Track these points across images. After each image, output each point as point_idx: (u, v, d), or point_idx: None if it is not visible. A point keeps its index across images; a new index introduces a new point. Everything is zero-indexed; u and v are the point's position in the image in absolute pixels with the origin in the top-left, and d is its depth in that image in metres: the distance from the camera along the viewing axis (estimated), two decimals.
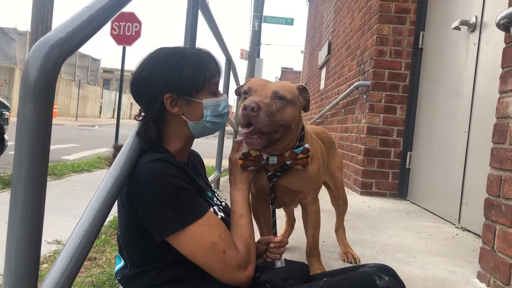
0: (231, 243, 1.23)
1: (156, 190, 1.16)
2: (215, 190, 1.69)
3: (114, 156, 1.32)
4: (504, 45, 1.96)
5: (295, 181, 1.61)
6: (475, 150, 2.98)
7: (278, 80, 35.80)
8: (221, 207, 1.46)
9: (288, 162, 1.54)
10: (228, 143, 5.88)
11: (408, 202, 4.10)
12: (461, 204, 3.08)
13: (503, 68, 1.93)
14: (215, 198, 1.48)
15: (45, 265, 2.95)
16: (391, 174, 4.28)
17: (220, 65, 1.39)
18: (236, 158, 1.54)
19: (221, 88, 1.42)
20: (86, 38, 0.88)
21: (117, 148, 1.34)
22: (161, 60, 1.29)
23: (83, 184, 5.76)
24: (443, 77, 3.62)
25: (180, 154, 1.37)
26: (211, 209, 1.34)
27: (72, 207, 4.45)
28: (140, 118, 1.37)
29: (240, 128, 1.49)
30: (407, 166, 4.21)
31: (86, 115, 31.53)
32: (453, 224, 3.15)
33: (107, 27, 10.05)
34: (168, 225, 1.17)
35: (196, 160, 1.55)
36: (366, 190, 4.27)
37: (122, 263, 1.32)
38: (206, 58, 1.33)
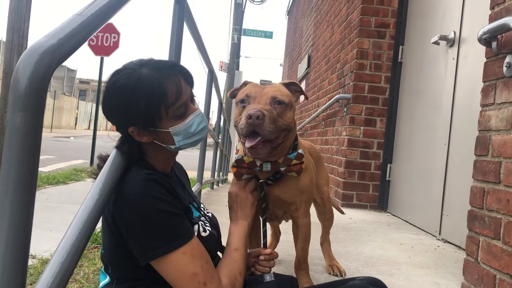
0: (214, 276, 1.19)
1: (140, 214, 1.12)
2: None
3: (99, 166, 1.29)
4: (484, 60, 2.00)
5: (287, 191, 1.60)
6: (455, 162, 3.03)
7: None
8: (207, 218, 1.43)
9: (282, 169, 1.53)
10: (209, 155, 5.84)
11: (388, 214, 4.13)
12: (442, 216, 3.12)
13: (484, 82, 1.97)
14: (201, 209, 1.45)
15: None
16: (372, 186, 4.31)
17: (188, 75, 1.28)
18: (237, 192, 1.50)
19: (200, 98, 1.37)
20: (77, 46, 0.85)
21: (101, 158, 1.31)
22: (115, 94, 1.20)
23: (59, 197, 5.62)
24: (422, 90, 3.69)
25: (165, 167, 1.33)
26: (199, 225, 1.30)
27: (47, 220, 4.33)
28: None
29: (242, 138, 1.45)
30: (387, 179, 4.25)
31: (61, 126, 30.98)
32: (434, 236, 3.18)
33: None
34: (149, 250, 1.12)
35: (179, 171, 1.52)
36: (347, 202, 4.29)
37: (107, 279, 1.28)
38: (165, 80, 1.20)
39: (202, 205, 1.53)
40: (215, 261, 1.34)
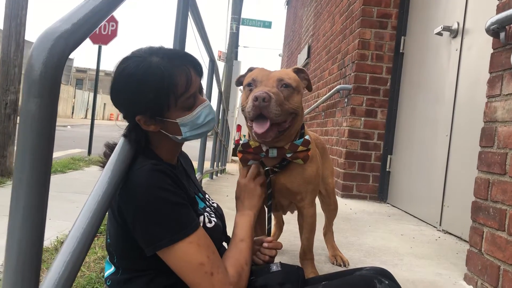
0: (220, 266, 1.18)
1: (146, 204, 1.11)
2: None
3: (106, 155, 1.28)
4: (488, 51, 1.99)
5: (294, 180, 1.59)
6: (457, 154, 3.03)
7: None
8: (212, 208, 1.42)
9: (289, 155, 1.52)
10: (208, 145, 5.83)
11: (388, 205, 4.14)
12: (443, 207, 3.12)
13: (491, 73, 1.96)
14: (206, 200, 1.45)
15: None
16: (372, 177, 4.31)
17: (199, 66, 1.27)
18: (245, 183, 1.49)
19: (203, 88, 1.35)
20: (90, 30, 0.84)
21: (109, 147, 1.29)
22: (124, 81, 1.18)
23: (57, 186, 5.60)
24: (424, 81, 3.68)
25: (171, 158, 1.32)
26: (205, 216, 1.29)
27: (48, 210, 4.31)
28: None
29: (249, 121, 1.44)
30: (387, 169, 4.26)
31: (58, 115, 30.56)
32: (435, 227, 3.19)
33: None
34: (155, 240, 1.12)
35: (185, 161, 1.51)
36: (347, 192, 4.29)
37: (112, 268, 1.27)
38: (176, 71, 1.18)
39: (207, 195, 1.52)
40: (220, 252, 1.33)
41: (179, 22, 1.97)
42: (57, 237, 3.89)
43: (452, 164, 3.08)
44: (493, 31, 1.84)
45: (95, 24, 0.85)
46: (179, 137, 1.26)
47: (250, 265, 1.31)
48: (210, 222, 1.30)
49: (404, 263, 2.21)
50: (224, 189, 4.56)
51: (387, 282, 1.21)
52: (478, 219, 1.94)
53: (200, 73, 1.28)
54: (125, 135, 1.27)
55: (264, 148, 1.51)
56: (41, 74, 0.70)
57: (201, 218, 1.27)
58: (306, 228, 1.75)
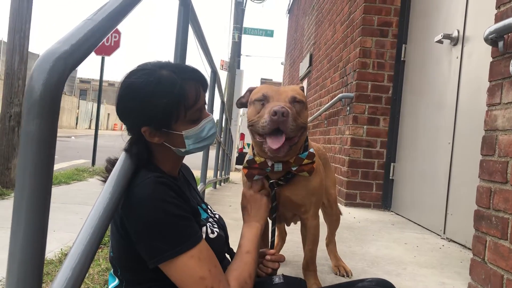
0: (222, 280, 1.18)
1: (149, 217, 1.12)
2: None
3: (107, 170, 1.29)
4: (489, 58, 1.99)
5: (298, 193, 1.60)
6: (459, 162, 3.02)
7: None
8: (215, 219, 1.43)
9: (294, 168, 1.53)
10: (211, 154, 5.83)
11: (392, 213, 4.13)
12: (446, 215, 3.11)
13: (490, 81, 1.96)
14: (209, 210, 1.45)
15: None
16: (375, 185, 4.30)
17: (206, 82, 1.30)
18: (251, 193, 1.50)
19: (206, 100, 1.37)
20: (88, 51, 0.85)
21: (110, 162, 1.31)
22: (132, 94, 1.20)
23: (61, 197, 5.62)
24: (426, 89, 3.68)
25: (173, 170, 1.33)
26: (207, 227, 1.30)
27: (51, 221, 4.31)
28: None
29: (259, 136, 1.45)
30: (390, 177, 4.25)
31: (62, 126, 31.00)
32: (439, 235, 3.18)
33: None
34: (157, 253, 1.12)
35: (186, 172, 1.52)
36: (350, 201, 4.29)
37: (116, 281, 1.28)
38: (186, 84, 1.21)
39: (209, 206, 1.53)
40: (224, 263, 1.34)
41: (179, 35, 1.99)
42: (61, 249, 3.90)
43: (455, 172, 3.08)
44: (492, 40, 1.85)
45: (94, 44, 0.87)
46: (183, 150, 1.27)
47: (253, 279, 1.31)
48: (212, 232, 1.31)
49: (407, 273, 2.20)
50: (227, 199, 4.56)
51: None
52: (481, 227, 1.93)
53: (206, 89, 1.31)
54: (126, 150, 1.28)
55: (269, 163, 1.52)
56: (41, 95, 0.71)
57: (204, 228, 1.28)
58: (310, 240, 1.75)
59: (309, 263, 1.81)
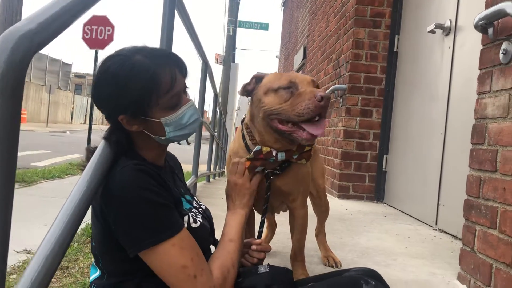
0: (204, 268, 1.16)
1: (128, 205, 1.10)
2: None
3: (88, 159, 1.26)
4: (481, 47, 1.97)
5: (287, 182, 1.58)
6: (451, 152, 3.01)
7: None
8: (200, 210, 1.40)
9: (295, 157, 1.52)
10: (205, 148, 5.80)
11: (385, 204, 4.12)
12: (438, 206, 3.10)
13: (480, 69, 1.94)
14: (194, 202, 1.43)
15: (14, 276, 2.83)
16: (368, 177, 4.29)
17: (183, 66, 1.25)
18: (236, 180, 1.45)
19: (194, 91, 1.34)
20: (58, 31, 0.82)
21: (90, 150, 1.28)
22: (107, 81, 1.17)
23: (54, 191, 5.59)
24: (418, 80, 3.66)
25: (156, 159, 1.30)
26: (189, 216, 1.27)
27: (43, 215, 4.31)
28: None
29: (289, 125, 1.40)
30: (383, 169, 4.24)
31: (57, 121, 30.85)
32: (431, 226, 3.17)
33: (79, 31, 9.88)
34: (137, 241, 1.10)
35: (173, 162, 1.49)
36: (343, 193, 4.27)
37: (98, 272, 1.26)
38: (160, 69, 1.18)
39: (195, 198, 1.50)
40: (208, 254, 1.31)
41: (165, 24, 1.95)
42: None
43: (447, 162, 3.06)
44: (482, 27, 1.83)
45: (65, 25, 0.84)
46: (163, 138, 1.24)
47: (237, 267, 1.29)
48: (195, 222, 1.28)
49: (397, 263, 2.18)
50: (219, 192, 4.54)
51: (373, 283, 1.19)
52: (470, 217, 1.92)
53: (184, 73, 1.26)
54: (105, 138, 1.25)
55: (274, 153, 1.49)
56: (2, 73, 0.68)
57: (186, 218, 1.25)
58: (297, 229, 1.74)
59: (297, 253, 1.79)
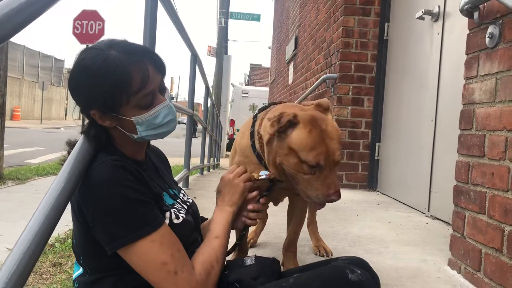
0: (186, 264, 1.14)
1: (105, 201, 1.08)
2: (184, 189, 1.61)
3: (68, 152, 1.24)
4: (468, 32, 1.95)
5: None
6: (442, 139, 3.00)
7: (247, 77, 35.49)
8: (185, 205, 1.39)
9: None
10: (199, 141, 5.77)
11: (378, 193, 4.12)
12: (430, 193, 3.10)
13: (467, 54, 1.93)
14: (180, 196, 1.41)
15: None
16: (361, 166, 4.28)
17: (161, 64, 1.21)
18: (229, 178, 1.44)
19: (173, 85, 1.31)
20: (16, 29, 0.79)
21: (70, 144, 1.26)
22: (81, 72, 1.15)
23: (48, 188, 5.56)
24: (408, 67, 3.64)
25: (135, 154, 1.27)
26: (171, 212, 1.25)
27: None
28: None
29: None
30: (376, 158, 4.23)
31: (51, 117, 30.66)
32: (423, 213, 3.17)
33: (69, 26, 9.80)
34: (115, 238, 1.08)
35: (156, 157, 1.47)
36: None
37: (80, 270, 1.24)
38: (131, 67, 1.14)
39: (182, 191, 1.48)
40: (192, 248, 1.30)
41: (148, 14, 1.92)
42: None
43: (438, 149, 3.06)
44: (467, 11, 1.81)
45: (25, 21, 0.81)
46: (135, 136, 1.22)
47: (222, 263, 1.27)
48: (177, 218, 1.26)
49: (389, 251, 2.18)
50: (212, 184, 4.52)
51: (359, 271, 1.18)
52: (460, 203, 1.91)
53: (161, 70, 1.22)
54: (84, 132, 1.23)
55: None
56: None
57: (167, 214, 1.23)
58: (296, 220, 1.76)
59: (291, 244, 1.80)
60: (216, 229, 1.33)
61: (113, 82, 1.12)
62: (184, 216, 1.29)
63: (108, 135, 1.22)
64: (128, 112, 1.16)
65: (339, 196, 1.34)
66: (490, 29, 1.73)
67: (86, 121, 1.29)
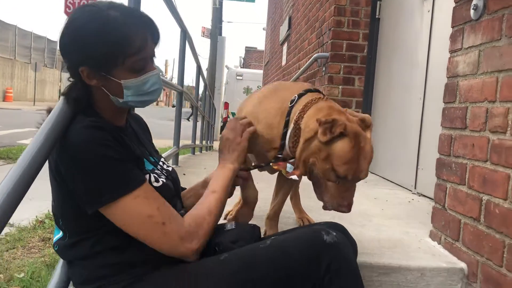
0: (173, 216, 1.16)
1: (85, 161, 1.09)
2: (171, 165, 1.61)
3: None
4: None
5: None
6: (430, 116, 3.02)
7: (242, 59, 35.29)
8: (165, 172, 1.39)
9: None
10: (186, 123, 5.75)
11: None
12: (417, 170, 3.13)
13: (453, 27, 1.93)
14: (159, 165, 1.41)
15: None
16: None
17: (157, 32, 1.24)
18: (228, 136, 1.46)
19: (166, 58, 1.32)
20: None
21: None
22: (77, 28, 1.16)
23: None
24: (399, 46, 3.64)
25: (115, 119, 1.28)
26: (150, 175, 1.26)
27: (28, 190, 4.28)
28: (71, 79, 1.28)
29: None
30: None
31: (45, 99, 30.42)
32: (410, 190, 3.20)
33: (61, 5, 9.64)
34: (97, 196, 1.09)
35: (137, 124, 1.47)
36: None
37: (60, 233, 1.25)
38: (133, 29, 1.16)
39: (162, 159, 1.49)
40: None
41: None
42: (36, 216, 3.87)
43: (426, 127, 3.08)
44: None
45: None
46: (120, 100, 1.22)
47: (215, 216, 1.27)
48: (157, 181, 1.27)
49: (372, 224, 2.21)
50: (203, 163, 4.54)
51: (334, 233, 1.20)
52: (442, 175, 1.93)
53: (156, 40, 1.24)
54: (64, 94, 1.23)
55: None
56: None
57: (147, 177, 1.24)
58: (284, 191, 1.81)
59: (275, 214, 1.84)
60: (213, 184, 1.35)
61: (112, 42, 1.13)
62: (164, 180, 1.30)
63: (89, 99, 1.22)
64: (119, 74, 1.18)
65: (349, 210, 1.40)
66: (475, 1, 1.73)
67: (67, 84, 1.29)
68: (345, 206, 1.39)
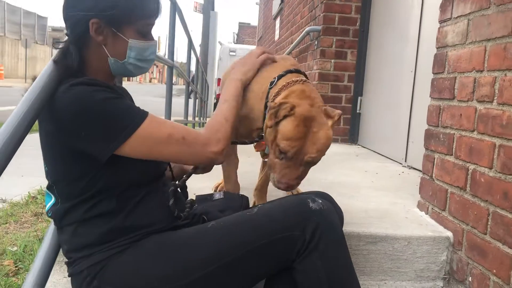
0: (186, 129, 1.21)
1: (89, 111, 1.10)
2: None
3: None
4: None
5: None
6: (421, 89, 3.02)
7: (235, 35, 34.95)
8: None
9: None
10: (179, 100, 5.70)
11: (358, 146, 4.16)
12: (408, 143, 3.15)
13: None
14: None
15: None
16: (343, 120, 4.30)
17: (161, 8, 1.30)
18: (243, 57, 1.56)
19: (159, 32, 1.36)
20: None
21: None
22: None
23: (33, 144, 5.53)
24: (391, 19, 3.61)
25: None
26: None
27: (20, 166, 4.30)
28: (61, 45, 1.27)
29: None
30: (357, 111, 4.25)
31: (36, 76, 30.09)
32: (400, 163, 3.22)
33: None
34: (114, 137, 1.11)
35: (123, 92, 1.47)
36: None
37: (52, 200, 1.26)
38: None
39: None
40: (163, 180, 1.32)
41: None
42: (28, 192, 3.88)
43: (416, 100, 3.08)
44: None
45: None
46: (120, 61, 1.23)
47: (232, 121, 1.32)
48: None
49: (360, 195, 2.23)
50: None
51: (320, 201, 1.21)
52: (430, 146, 1.95)
53: (159, 12, 1.30)
54: (55, 61, 1.22)
55: None
56: None
57: None
58: None
59: (263, 185, 1.86)
60: (224, 94, 1.41)
61: (133, 1, 1.19)
62: None
63: (81, 66, 1.22)
64: (128, 34, 1.22)
65: (287, 188, 1.37)
66: None
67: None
68: (282, 183, 1.35)
